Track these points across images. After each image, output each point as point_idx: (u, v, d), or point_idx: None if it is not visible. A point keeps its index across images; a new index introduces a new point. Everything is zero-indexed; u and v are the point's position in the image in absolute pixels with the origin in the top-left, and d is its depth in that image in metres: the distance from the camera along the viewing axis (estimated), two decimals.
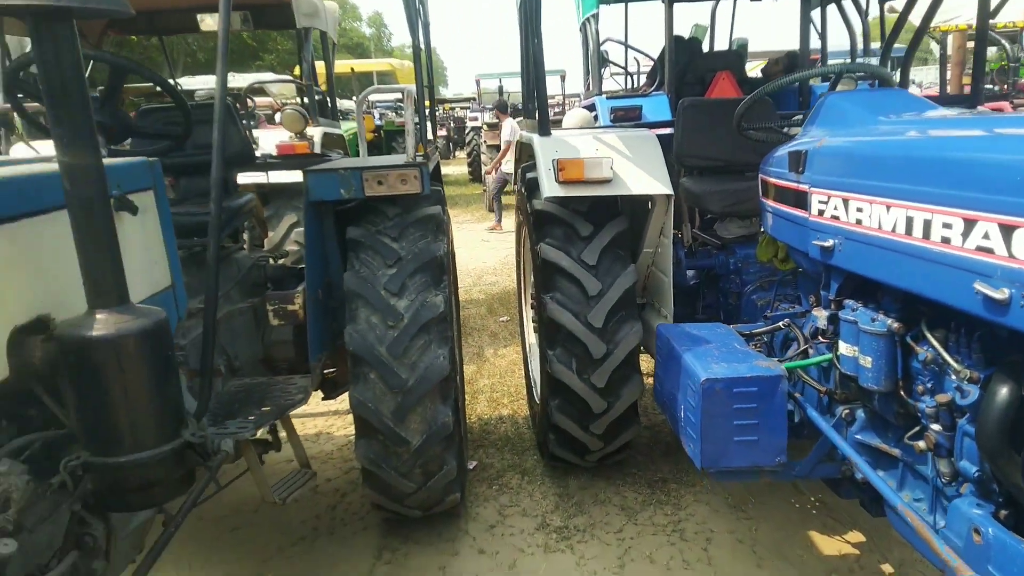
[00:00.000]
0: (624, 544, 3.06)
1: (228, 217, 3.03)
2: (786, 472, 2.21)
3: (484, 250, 10.00)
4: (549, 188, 3.02)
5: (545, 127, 3.27)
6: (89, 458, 1.35)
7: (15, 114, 2.60)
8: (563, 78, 17.14)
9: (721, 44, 6.35)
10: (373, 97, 17.97)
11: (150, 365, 1.36)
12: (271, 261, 3.38)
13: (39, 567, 1.42)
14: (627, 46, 6.67)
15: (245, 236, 3.50)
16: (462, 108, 25.67)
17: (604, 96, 5.12)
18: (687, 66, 4.83)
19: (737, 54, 5.35)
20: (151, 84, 3.41)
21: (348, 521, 3.39)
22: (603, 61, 6.75)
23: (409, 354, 2.69)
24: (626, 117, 4.77)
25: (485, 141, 15.32)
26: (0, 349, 1.31)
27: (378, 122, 15.72)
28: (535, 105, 3.47)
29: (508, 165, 11.31)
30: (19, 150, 4.28)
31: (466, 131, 19.01)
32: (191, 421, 1.47)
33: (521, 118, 5.62)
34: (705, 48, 5.80)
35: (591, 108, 5.47)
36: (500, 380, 5.10)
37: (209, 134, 3.13)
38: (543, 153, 3.11)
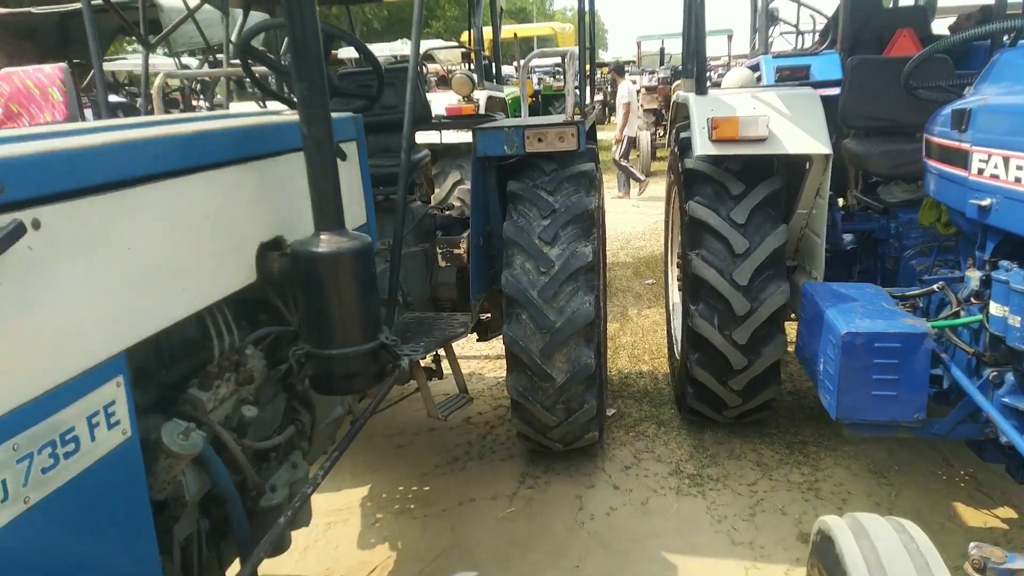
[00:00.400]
0: (756, 496, 3.16)
1: (409, 169, 3.41)
2: (925, 428, 2.22)
3: (634, 215, 10.03)
4: (702, 146, 3.10)
5: (702, 86, 3.33)
6: (310, 350, 1.71)
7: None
8: (730, 38, 16.46)
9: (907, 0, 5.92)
10: (532, 62, 18.26)
11: (359, 278, 1.69)
12: (439, 212, 3.75)
13: (264, 437, 1.82)
14: (800, 3, 6.39)
15: (416, 191, 3.89)
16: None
17: (770, 55, 5.01)
18: (864, 23, 4.59)
19: (922, 10, 4.99)
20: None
21: (496, 449, 3.74)
22: (772, 19, 6.53)
23: (558, 298, 2.93)
24: (792, 77, 4.65)
25: (642, 105, 15.12)
26: (251, 260, 1.69)
27: (536, 87, 16.00)
28: (694, 65, 3.53)
29: (630, 128, 11.16)
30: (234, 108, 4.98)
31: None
32: (385, 329, 1.80)
33: (632, 79, 5.57)
34: (888, 3, 5.45)
35: (755, 68, 5.36)
36: (642, 338, 5.25)
37: (393, 96, 3.52)
38: (698, 112, 3.19)
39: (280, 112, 2.25)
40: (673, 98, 4.22)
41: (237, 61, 2.60)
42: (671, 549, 2.85)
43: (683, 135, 3.55)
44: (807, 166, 3.28)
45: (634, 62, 19.84)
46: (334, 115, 2.14)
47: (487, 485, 3.40)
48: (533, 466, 3.53)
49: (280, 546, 1.75)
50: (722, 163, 3.27)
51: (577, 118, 3.10)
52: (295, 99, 1.65)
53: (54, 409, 1.08)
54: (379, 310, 1.80)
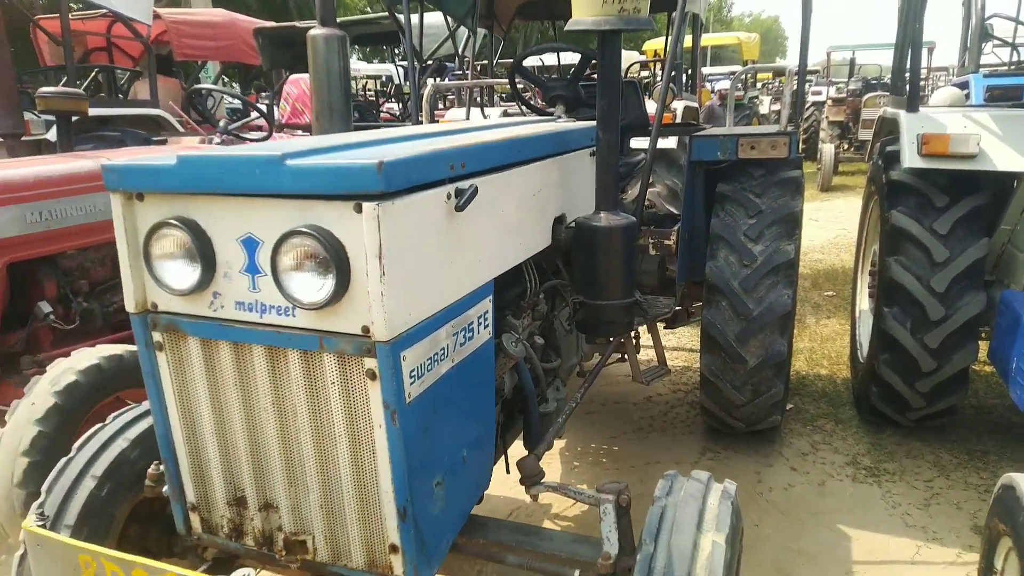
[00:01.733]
0: (932, 491, 3.35)
1: (628, 171, 3.92)
2: None
3: (812, 228, 9.91)
4: (910, 159, 3.34)
5: (914, 103, 3.55)
6: (584, 300, 2.27)
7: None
8: (930, 51, 15.49)
9: None
10: (707, 70, 18.24)
11: (626, 248, 2.21)
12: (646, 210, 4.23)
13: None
14: (1018, 21, 6.18)
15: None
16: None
17: (980, 74, 5.00)
18: None
19: None
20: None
21: (676, 425, 4.17)
22: (986, 35, 6.35)
23: (758, 290, 3.31)
24: (1004, 97, 4.66)
25: (827, 117, 14.67)
26: (548, 229, 2.27)
27: (713, 96, 16.03)
28: (903, 82, 3.74)
29: None
30: (453, 113, 5.75)
31: (806, 105, 18.23)
32: (636, 291, 2.32)
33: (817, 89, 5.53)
34: None
35: (963, 86, 5.34)
36: (820, 345, 5.41)
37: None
38: (908, 127, 3.42)
39: (556, 120, 2.84)
40: (879, 113, 4.40)
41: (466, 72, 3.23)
42: (846, 523, 3.14)
43: (889, 148, 3.77)
44: (1015, 184, 3.40)
45: (819, 72, 19.16)
46: (587, 123, 2.69)
47: (670, 451, 3.83)
48: (713, 442, 3.92)
49: (548, 446, 2.32)
50: (928, 176, 3.47)
51: (791, 128, 3.45)
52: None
53: (469, 306, 1.69)
54: (635, 273, 2.31)
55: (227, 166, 1.42)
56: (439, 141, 1.74)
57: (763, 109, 17.63)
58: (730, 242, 3.39)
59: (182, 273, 1.51)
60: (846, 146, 14.22)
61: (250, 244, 1.46)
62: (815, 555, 2.93)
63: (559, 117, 3.03)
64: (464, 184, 1.59)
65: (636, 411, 4.36)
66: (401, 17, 3.71)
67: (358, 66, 19.72)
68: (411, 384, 1.46)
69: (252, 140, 4.53)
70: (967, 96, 4.96)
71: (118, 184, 1.52)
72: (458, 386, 1.68)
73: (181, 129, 5.99)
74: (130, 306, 1.60)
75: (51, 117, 4.62)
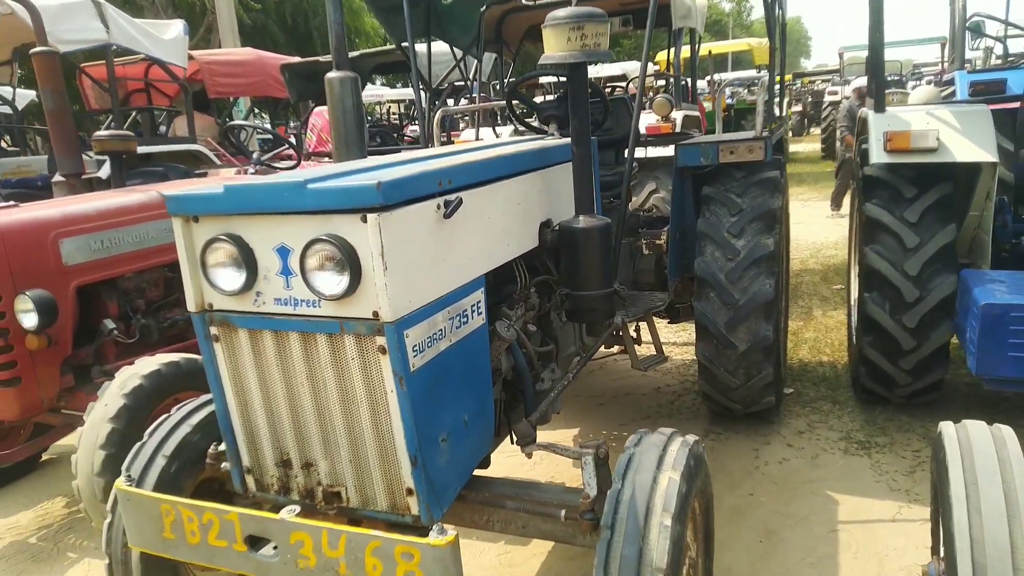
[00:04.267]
0: (919, 459, 3.61)
1: (618, 179, 4.27)
2: None
3: (827, 226, 10.10)
4: (877, 156, 3.64)
5: (881, 104, 3.84)
6: (569, 292, 2.62)
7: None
8: (943, 46, 15.55)
9: None
10: (726, 76, 18.50)
11: (603, 245, 2.57)
12: (640, 213, 4.57)
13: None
14: (1007, 23, 6.39)
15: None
16: (823, 81, 24.41)
17: (965, 70, 5.25)
18: None
19: None
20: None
21: (683, 411, 4.47)
22: (977, 33, 6.57)
23: (742, 280, 3.62)
24: (986, 91, 4.90)
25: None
26: (535, 232, 2.63)
27: (729, 101, 16.29)
28: (874, 84, 4.04)
29: None
30: (467, 134, 6.16)
31: (823, 106, 18.37)
32: (616, 282, 2.66)
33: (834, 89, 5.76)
34: None
35: (951, 82, 5.59)
36: (824, 334, 5.66)
37: (611, 120, 4.39)
38: (875, 126, 3.72)
39: (543, 137, 3.22)
40: (859, 114, 4.68)
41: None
42: (834, 490, 3.42)
43: (864, 146, 4.06)
44: (979, 173, 3.67)
45: (839, 71, 19.28)
46: (565, 141, 3.05)
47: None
48: (715, 425, 4.22)
49: (544, 418, 2.66)
50: (897, 171, 3.76)
51: (765, 133, 3.78)
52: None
53: (461, 296, 2.06)
54: (612, 269, 2.66)
55: (263, 191, 1.82)
56: (433, 163, 2.12)
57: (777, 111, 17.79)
58: (715, 239, 3.71)
59: (231, 277, 1.91)
60: None
61: (283, 252, 1.86)
62: (804, 517, 3.22)
63: (551, 135, 3.40)
64: (451, 197, 1.97)
65: (644, 400, 4.68)
66: (409, 46, 4.11)
67: (382, 91, 20.42)
68: (414, 356, 1.84)
69: (282, 169, 4.99)
70: (952, 94, 5.21)
71: (178, 209, 1.93)
72: (456, 362, 2.05)
73: (217, 162, 6.51)
74: (191, 306, 2.00)
75: (102, 157, 5.16)
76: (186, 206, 1.92)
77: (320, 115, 5.84)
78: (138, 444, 2.50)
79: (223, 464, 2.47)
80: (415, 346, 1.84)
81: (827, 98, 17.42)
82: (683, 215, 4.14)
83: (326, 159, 5.39)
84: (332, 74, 2.86)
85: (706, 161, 3.83)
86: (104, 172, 5.40)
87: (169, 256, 3.92)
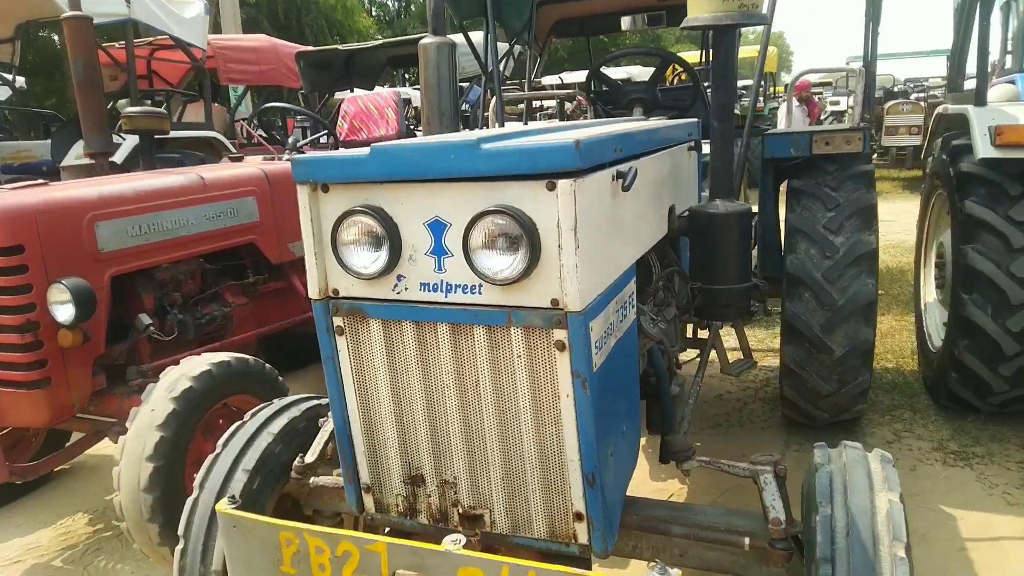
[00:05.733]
0: None
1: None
2: None
3: None
4: (984, 150, 3.40)
5: (982, 98, 3.62)
6: (701, 285, 2.32)
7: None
8: (949, 59, 15.58)
9: None
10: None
11: (744, 233, 2.27)
12: None
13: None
14: None
15: None
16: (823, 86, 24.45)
17: None
18: None
19: None
20: None
21: (754, 420, 4.19)
22: None
23: (842, 280, 3.35)
24: None
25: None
26: (666, 217, 2.33)
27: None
28: (962, 79, 3.82)
29: None
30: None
31: (824, 116, 18.31)
32: (754, 275, 2.37)
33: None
34: None
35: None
36: (881, 340, 5.39)
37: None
38: (979, 121, 3.48)
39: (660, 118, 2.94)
40: (937, 110, 4.46)
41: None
42: (946, 504, 3.15)
43: (955, 143, 3.82)
44: None
45: (830, 84, 19.29)
46: (684, 120, 2.77)
47: (754, 446, 3.84)
48: (795, 435, 3.93)
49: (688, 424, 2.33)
50: (1000, 167, 3.51)
51: (862, 124, 3.52)
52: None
53: (623, 285, 1.75)
54: (750, 258, 2.37)
55: (421, 153, 1.49)
56: (589, 130, 1.82)
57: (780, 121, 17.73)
58: (810, 235, 3.44)
59: (368, 258, 1.58)
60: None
61: (437, 227, 1.53)
62: (923, 534, 2.95)
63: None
64: (624, 167, 1.66)
65: (710, 408, 4.39)
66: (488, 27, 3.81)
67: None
68: (596, 354, 1.52)
69: None
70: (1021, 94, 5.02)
71: (306, 175, 1.60)
72: (620, 361, 1.74)
73: (234, 151, 6.13)
74: (313, 292, 1.67)
75: (119, 138, 4.76)
76: (317, 171, 1.59)
77: (353, 102, 5.51)
78: (211, 457, 2.16)
79: (312, 479, 2.14)
80: (596, 341, 1.53)
81: (829, 108, 17.32)
82: (764, 211, 3.87)
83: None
84: (427, 39, 2.54)
85: (796, 152, 3.57)
86: (120, 155, 5.00)
87: (208, 245, 3.56)
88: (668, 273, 2.40)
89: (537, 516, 1.63)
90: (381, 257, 1.57)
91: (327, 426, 2.19)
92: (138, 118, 3.75)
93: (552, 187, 1.41)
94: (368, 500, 1.81)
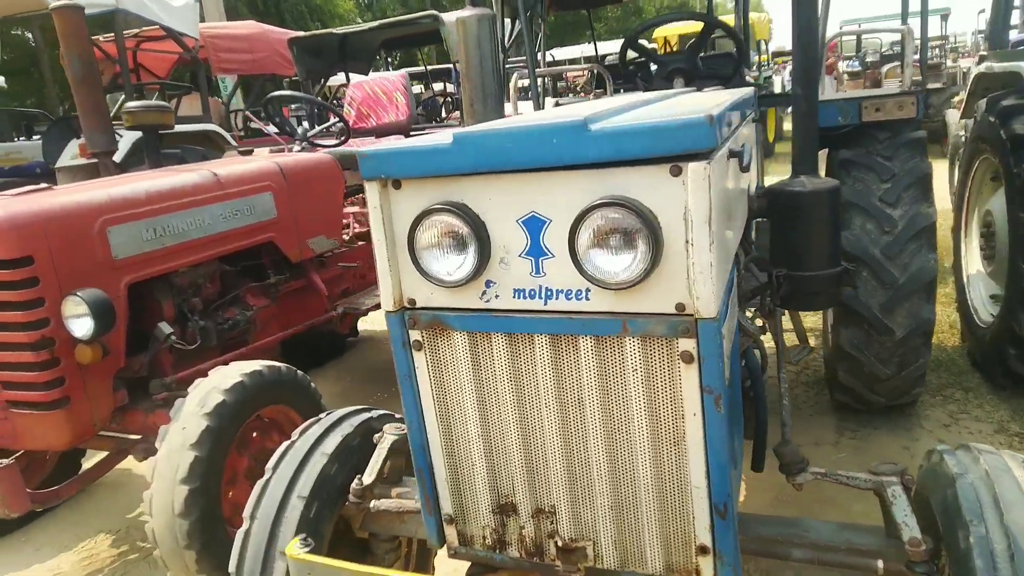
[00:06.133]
0: None
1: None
2: None
3: None
4: None
5: None
6: (787, 272, 2.12)
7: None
8: (944, 18, 15.37)
9: None
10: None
11: (832, 213, 2.07)
12: None
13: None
14: None
15: None
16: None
17: None
18: None
19: None
20: None
21: (800, 406, 4.01)
22: None
23: (902, 256, 3.16)
24: None
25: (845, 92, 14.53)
26: (746, 200, 2.12)
27: None
28: (1006, 32, 3.60)
29: None
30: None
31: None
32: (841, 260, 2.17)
33: None
34: None
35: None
36: None
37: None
38: None
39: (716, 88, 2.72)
40: (976, 70, 4.25)
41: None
42: None
43: (1005, 103, 3.62)
44: None
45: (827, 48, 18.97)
46: (747, 90, 2.56)
47: (806, 432, 3.68)
48: (847, 421, 3.76)
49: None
50: None
51: (915, 88, 3.31)
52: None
53: (731, 284, 1.55)
54: (839, 241, 2.17)
55: (517, 139, 1.28)
56: (689, 103, 1.60)
57: (776, 89, 17.46)
58: (866, 209, 3.24)
59: (452, 263, 1.38)
60: None
61: (534, 224, 1.33)
62: None
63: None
64: (736, 145, 1.46)
65: None
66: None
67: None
68: (726, 365, 1.33)
69: (328, 147, 4.40)
70: None
71: (377, 171, 1.38)
72: (734, 368, 1.55)
73: (234, 144, 5.86)
74: (387, 304, 1.46)
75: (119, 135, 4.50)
76: (389, 166, 1.38)
77: (359, 87, 5.25)
78: (261, 483, 1.97)
79: (372, 503, 1.95)
80: (727, 351, 1.33)
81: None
82: None
83: (370, 137, 4.83)
84: (466, 12, 2.31)
85: (845, 120, 3.36)
86: (119, 154, 4.73)
87: (226, 246, 3.34)
88: (748, 260, 2.20)
89: (652, 549, 1.44)
90: (467, 261, 1.36)
91: (384, 442, 2.00)
92: (140, 113, 3.50)
93: (677, 172, 1.20)
94: (451, 532, 1.62)
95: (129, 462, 3.22)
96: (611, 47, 14.48)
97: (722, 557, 1.38)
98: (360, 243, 4.56)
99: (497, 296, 1.39)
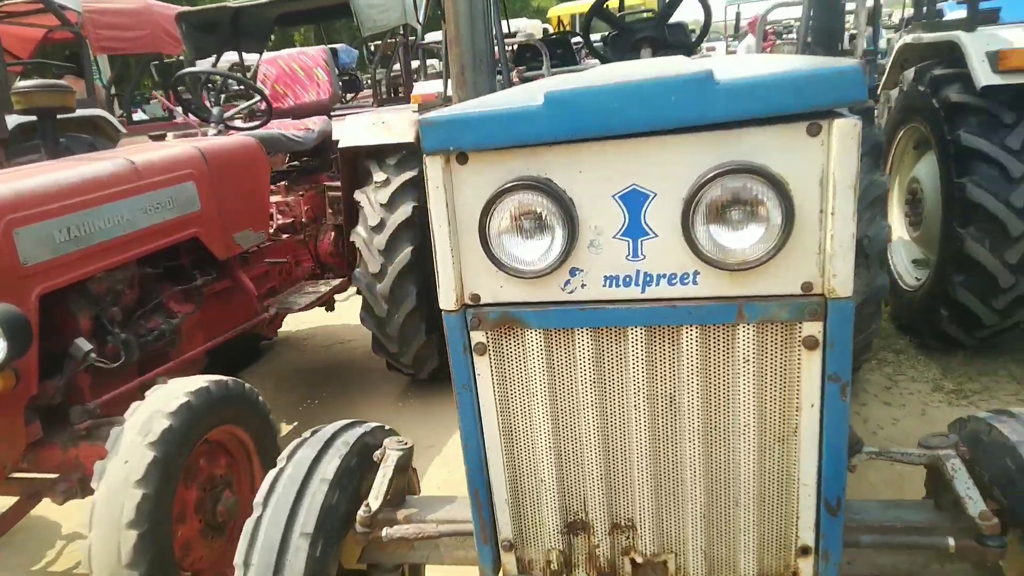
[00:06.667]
0: None
1: None
2: None
3: None
4: (985, 77, 3.32)
5: (974, 22, 3.53)
6: None
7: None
8: None
9: None
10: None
11: None
12: None
13: None
14: None
15: None
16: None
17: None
18: None
19: None
20: None
21: None
22: None
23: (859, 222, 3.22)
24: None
25: None
26: None
27: None
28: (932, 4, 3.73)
29: None
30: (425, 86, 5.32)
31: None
32: None
33: None
34: None
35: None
36: None
37: None
38: (974, 47, 3.40)
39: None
40: (900, 42, 4.37)
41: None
42: None
43: (936, 73, 3.74)
44: None
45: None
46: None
47: None
48: None
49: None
50: (989, 95, 3.46)
51: (859, 60, 3.37)
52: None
53: None
54: None
55: (628, 97, 1.08)
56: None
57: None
58: None
59: (537, 248, 1.17)
60: None
61: (634, 199, 1.14)
62: None
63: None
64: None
65: None
66: None
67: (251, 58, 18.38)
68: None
69: (246, 129, 3.97)
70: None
71: (445, 142, 1.14)
72: None
73: (123, 130, 5.22)
74: (447, 302, 1.23)
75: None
76: (460, 135, 1.14)
77: (273, 63, 4.78)
78: (251, 521, 1.68)
79: (384, 531, 1.70)
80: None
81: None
82: None
83: (287, 119, 4.40)
84: None
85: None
86: None
87: (147, 245, 2.90)
88: None
89: (746, 555, 1.31)
90: (554, 246, 1.16)
91: (388, 460, 1.76)
92: (36, 94, 2.96)
93: (816, 131, 1.06)
94: (508, 559, 1.41)
95: (43, 507, 2.73)
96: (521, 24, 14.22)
97: (829, 556, 1.26)
98: (285, 236, 4.16)
99: (584, 285, 1.19)
